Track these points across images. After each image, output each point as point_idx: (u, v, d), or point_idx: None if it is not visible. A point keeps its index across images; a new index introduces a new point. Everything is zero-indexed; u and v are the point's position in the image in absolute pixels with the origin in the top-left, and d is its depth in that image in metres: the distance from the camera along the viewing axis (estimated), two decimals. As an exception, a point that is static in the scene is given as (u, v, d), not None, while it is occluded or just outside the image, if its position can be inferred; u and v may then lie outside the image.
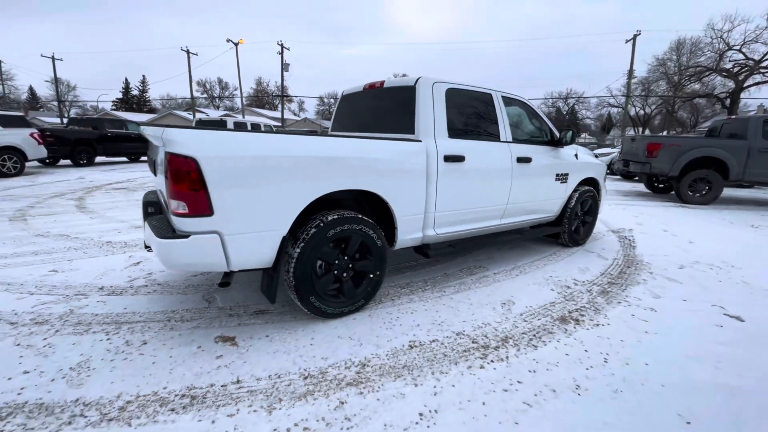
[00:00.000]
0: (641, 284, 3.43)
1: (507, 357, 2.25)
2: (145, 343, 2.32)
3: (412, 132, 3.01)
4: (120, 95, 68.03)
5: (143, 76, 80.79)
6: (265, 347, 2.30)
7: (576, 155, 4.29)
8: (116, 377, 1.99)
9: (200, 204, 2.01)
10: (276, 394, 1.89)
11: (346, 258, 2.64)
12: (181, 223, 2.04)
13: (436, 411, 1.79)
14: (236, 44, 29.65)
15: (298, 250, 2.39)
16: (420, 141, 2.91)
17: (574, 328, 2.61)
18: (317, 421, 1.72)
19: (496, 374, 2.08)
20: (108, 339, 2.35)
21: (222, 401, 1.83)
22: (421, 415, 1.77)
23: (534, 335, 2.50)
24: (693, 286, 3.42)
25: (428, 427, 1.70)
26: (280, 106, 71.88)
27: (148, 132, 2.15)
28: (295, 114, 72.32)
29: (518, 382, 2.02)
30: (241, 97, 33.21)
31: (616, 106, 41.73)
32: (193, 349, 2.26)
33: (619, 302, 3.04)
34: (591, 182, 4.73)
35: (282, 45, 32.42)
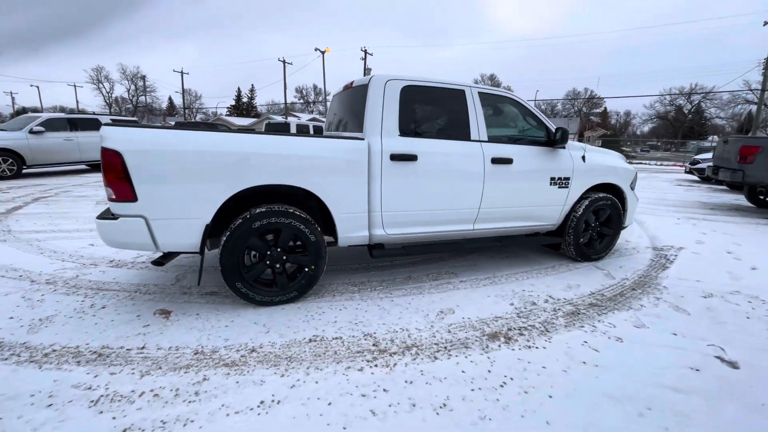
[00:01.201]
0: (632, 310, 2.90)
1: (395, 365, 2.15)
2: (104, 308, 2.75)
3: (362, 130, 3.01)
4: (233, 102, 78.18)
5: (252, 85, 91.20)
6: (187, 323, 2.56)
7: (583, 157, 3.76)
8: (62, 330, 2.43)
9: (125, 191, 2.34)
10: (161, 362, 2.12)
11: (279, 250, 2.78)
12: (112, 207, 2.40)
13: (278, 402, 1.82)
14: (323, 52, 31.84)
15: (224, 239, 2.60)
16: (363, 139, 2.90)
17: (499, 346, 2.36)
18: (171, 390, 1.89)
19: (367, 379, 2.01)
20: (82, 301, 2.85)
21: (117, 361, 2.12)
22: (261, 402, 1.82)
23: (445, 347, 2.33)
24: (703, 319, 2.78)
25: (258, 414, 1.74)
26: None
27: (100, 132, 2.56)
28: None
29: (384, 390, 1.93)
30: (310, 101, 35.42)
31: (755, 103, 34.38)
32: (132, 317, 2.62)
33: (582, 327, 2.63)
34: (611, 189, 4.10)
35: (365, 51, 33.81)
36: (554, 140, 3.48)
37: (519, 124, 3.64)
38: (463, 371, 2.10)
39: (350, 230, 2.98)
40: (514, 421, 1.74)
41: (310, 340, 2.38)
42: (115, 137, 2.30)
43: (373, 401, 1.85)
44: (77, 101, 56.00)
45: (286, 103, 39.37)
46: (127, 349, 2.24)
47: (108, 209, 2.59)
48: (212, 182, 2.49)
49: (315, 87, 77.46)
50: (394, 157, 2.94)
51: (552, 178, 3.59)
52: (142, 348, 2.26)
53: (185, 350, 2.24)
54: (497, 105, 3.61)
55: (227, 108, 75.95)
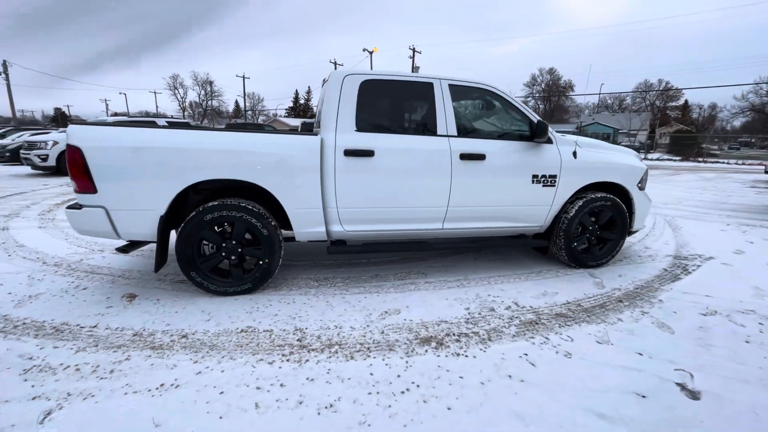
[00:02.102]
0: (604, 324, 2.59)
1: (307, 361, 2.13)
2: (85, 289, 3.05)
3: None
4: (291, 104, 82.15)
5: (308, 87, 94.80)
6: (144, 307, 2.75)
7: (574, 153, 3.41)
8: (41, 307, 2.73)
9: (86, 183, 2.57)
10: (101, 341, 2.30)
11: (234, 243, 2.88)
12: (78, 198, 2.65)
13: (176, 386, 1.90)
14: (371, 52, 32.25)
15: (179, 230, 2.75)
16: (316, 135, 2.90)
17: (425, 351, 2.23)
18: (92, 366, 2.04)
19: (272, 372, 2.02)
20: (71, 282, 3.19)
21: (66, 337, 2.34)
22: (161, 385, 1.90)
23: (367, 348, 2.26)
24: (686, 340, 2.39)
25: (152, 396, 1.83)
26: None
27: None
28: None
29: (281, 385, 1.92)
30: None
31: None
32: (102, 299, 2.88)
33: (532, 338, 2.40)
34: (615, 189, 3.68)
35: (413, 49, 33.66)
36: (534, 134, 3.20)
37: (500, 117, 3.40)
38: (371, 374, 2.02)
39: (306, 226, 3.00)
40: (394, 429, 1.64)
41: (242, 331, 2.43)
42: (76, 135, 2.54)
43: (264, 395, 1.85)
44: (156, 106, 62.51)
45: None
46: (81, 327, 2.46)
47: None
48: (164, 176, 2.65)
49: (368, 87, 78.70)
50: (349, 153, 2.90)
51: (534, 176, 3.31)
52: (94, 327, 2.47)
53: (127, 332, 2.41)
54: (474, 97, 3.41)
55: (285, 110, 79.99)
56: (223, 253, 2.88)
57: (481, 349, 2.26)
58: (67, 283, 3.16)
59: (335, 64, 38.33)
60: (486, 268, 3.62)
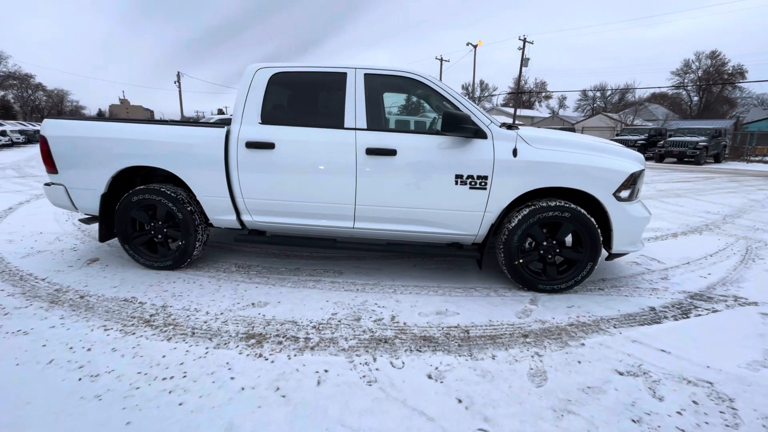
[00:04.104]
0: (464, 358, 2.13)
1: (133, 334, 2.31)
2: (75, 250, 3.82)
3: (236, 119, 3.14)
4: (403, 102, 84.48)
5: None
6: (90, 271, 3.31)
7: (515, 150, 2.81)
8: (35, 260, 3.52)
9: (51, 166, 3.22)
10: (32, 290, 2.88)
11: (159, 223, 3.25)
12: (48, 177, 3.33)
13: (25, 333, 2.28)
14: (475, 46, 30.90)
15: (116, 208, 3.24)
16: (223, 127, 3.04)
17: (236, 346, 2.19)
18: (4, 305, 2.59)
19: (98, 337, 2.26)
20: (71, 246, 4.02)
21: (18, 284, 3.00)
22: (17, 331, 2.31)
23: (194, 333, 2.33)
24: (545, 401, 1.81)
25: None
26: (535, 103, 68.68)
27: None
28: (553, 111, 67.44)
29: (87, 349, 2.14)
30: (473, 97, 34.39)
31: None
32: (74, 260, 3.55)
33: (357, 356, 2.13)
34: (582, 198, 2.91)
35: (524, 39, 31.04)
36: (443, 126, 2.74)
37: (423, 108, 3.01)
38: (163, 356, 2.09)
39: (217, 213, 3.18)
40: (125, 408, 1.69)
41: (123, 300, 2.75)
42: (45, 126, 3.19)
43: (66, 353, 2.09)
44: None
45: (439, 100, 40.07)
46: (36, 278, 3.12)
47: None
48: (99, 162, 3.14)
49: (482, 82, 75.85)
50: (250, 145, 2.97)
51: (459, 176, 2.85)
52: (43, 279, 3.10)
53: (55, 287, 2.96)
54: (398, 87, 3.09)
55: (398, 107, 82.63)
56: (152, 232, 3.27)
57: (288, 356, 2.11)
58: (68, 246, 3.98)
59: (441, 60, 37.97)
60: (413, 277, 3.27)
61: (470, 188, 2.86)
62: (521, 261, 2.96)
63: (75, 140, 3.15)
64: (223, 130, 3.03)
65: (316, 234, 3.23)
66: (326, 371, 1.99)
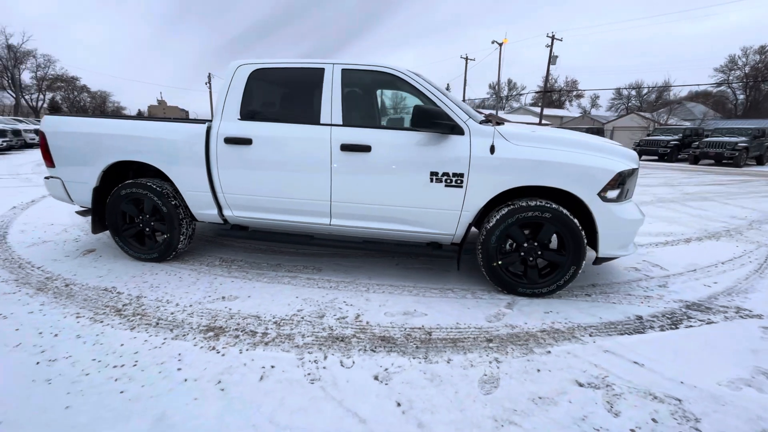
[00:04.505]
0: (416, 360, 2.06)
1: (101, 322, 2.38)
2: (76, 241, 4.00)
3: (220, 115, 3.19)
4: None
5: (447, 84, 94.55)
6: (84, 261, 3.45)
7: (492, 147, 2.69)
8: (38, 249, 3.72)
9: (49, 159, 3.38)
10: (25, 277, 3.04)
11: (148, 216, 3.35)
12: (47, 171, 3.50)
13: (4, 318, 2.41)
14: (500, 44, 30.22)
15: (107, 201, 3.36)
16: (203, 123, 3.10)
17: (193, 338, 2.22)
18: (-10, 293, 2.75)
19: (67, 324, 2.34)
20: (74, 237, 4.21)
21: (15, 270, 3.17)
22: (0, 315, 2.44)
23: (158, 324, 2.37)
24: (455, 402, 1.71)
25: (-17, 321, 2.37)
26: (565, 102, 66.35)
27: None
28: (585, 111, 65.04)
29: (54, 335, 2.22)
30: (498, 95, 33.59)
31: None
32: (73, 250, 3.73)
33: (309, 353, 2.10)
34: (568, 198, 2.76)
35: (552, 36, 30.06)
36: (413, 122, 2.65)
37: (400, 104, 2.95)
38: (122, 344, 2.14)
39: (199, 207, 3.24)
40: (72, 388, 1.75)
41: (104, 289, 2.85)
42: (44, 122, 3.36)
43: (35, 338, 2.18)
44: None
45: (464, 100, 39.56)
46: (32, 266, 3.29)
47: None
48: (91, 156, 3.27)
49: (509, 81, 74.11)
50: (228, 141, 3.00)
51: (434, 173, 2.77)
52: (39, 267, 3.26)
53: (47, 275, 3.11)
54: (375, 83, 3.04)
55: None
56: (140, 225, 3.38)
57: (240, 351, 2.11)
58: (71, 237, 4.18)
59: (466, 59, 37.46)
60: (391, 276, 3.21)
61: (446, 186, 2.77)
62: (500, 262, 2.84)
63: (69, 136, 3.30)
64: (204, 126, 3.08)
65: (295, 230, 3.23)
66: (273, 367, 1.97)
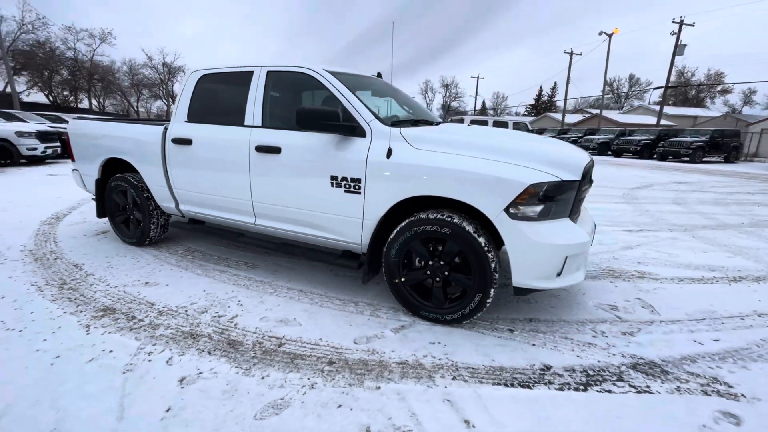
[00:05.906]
0: (251, 373, 1.98)
1: (41, 294, 2.83)
2: (85, 222, 4.81)
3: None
4: (532, 101, 77.86)
5: (555, 82, 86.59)
6: (92, 242, 4.14)
7: (389, 151, 2.40)
8: (67, 231, 4.60)
9: (72, 155, 4.14)
10: (36, 250, 3.78)
11: (131, 206, 3.87)
12: (72, 165, 4.28)
13: (-12, 279, 3.04)
14: (609, 35, 26.48)
15: (105, 191, 3.98)
16: (161, 124, 3.43)
17: (86, 317, 2.49)
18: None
19: (20, 291, 2.84)
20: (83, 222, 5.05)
21: (38, 244, 3.97)
22: (-12, 276, 3.09)
23: (74, 301, 2.72)
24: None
25: (-25, 279, 3.03)
26: (705, 98, 54.91)
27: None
28: (733, 108, 53.15)
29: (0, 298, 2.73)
30: (602, 94, 29.55)
31: None
32: (90, 233, 4.49)
33: (153, 345, 2.18)
34: (471, 212, 2.33)
35: (681, 21, 25.23)
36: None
37: (329, 105, 2.82)
38: (15, 309, 2.52)
39: (162, 200, 3.61)
40: (-52, 344, 2.15)
41: (74, 265, 3.38)
42: (70, 125, 4.12)
43: (-13, 299, 2.71)
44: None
45: (566, 99, 35.90)
46: (53, 241, 4.06)
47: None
48: (93, 153, 3.90)
49: (631, 77, 64.45)
50: (175, 141, 3.28)
51: (333, 177, 2.61)
52: (56, 242, 4.02)
53: (52, 249, 3.81)
54: (295, 83, 2.98)
55: (526, 107, 76.71)
56: (127, 213, 3.91)
57: (104, 332, 2.30)
58: (86, 224, 5.01)
59: (570, 54, 33.92)
60: (312, 282, 3.11)
61: (345, 191, 2.59)
62: (402, 279, 2.54)
63: (82, 136, 3.99)
64: (161, 128, 3.42)
65: (231, 227, 3.37)
66: (110, 352, 2.11)
